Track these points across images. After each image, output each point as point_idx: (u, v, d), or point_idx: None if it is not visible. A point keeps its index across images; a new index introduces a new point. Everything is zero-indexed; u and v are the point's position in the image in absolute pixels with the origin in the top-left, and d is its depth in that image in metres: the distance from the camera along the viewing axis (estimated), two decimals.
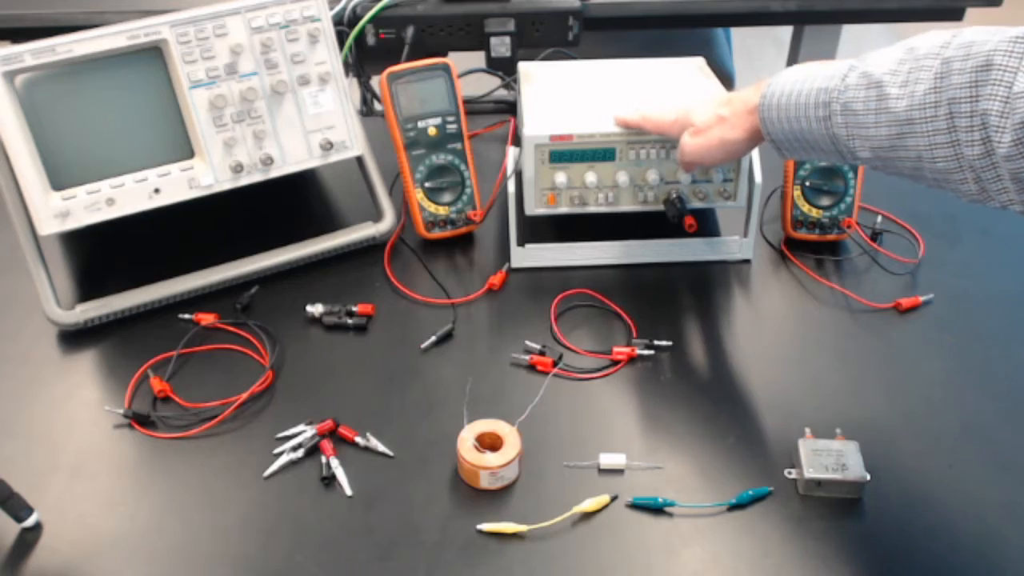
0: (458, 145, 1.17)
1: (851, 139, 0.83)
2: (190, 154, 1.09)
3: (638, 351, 1.03)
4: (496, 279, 1.13)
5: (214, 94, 1.06)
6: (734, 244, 1.17)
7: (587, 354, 1.04)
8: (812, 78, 0.86)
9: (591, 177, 1.10)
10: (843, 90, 0.83)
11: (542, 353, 1.03)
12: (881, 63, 0.80)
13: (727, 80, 1.97)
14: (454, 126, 1.16)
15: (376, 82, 1.24)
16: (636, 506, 0.88)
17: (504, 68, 1.45)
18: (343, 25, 1.43)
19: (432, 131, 1.16)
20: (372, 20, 1.43)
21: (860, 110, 0.81)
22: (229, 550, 0.85)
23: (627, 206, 1.14)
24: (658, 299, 1.12)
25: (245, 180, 1.11)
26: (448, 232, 1.20)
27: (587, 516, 0.87)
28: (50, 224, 1.03)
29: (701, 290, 1.13)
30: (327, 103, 1.12)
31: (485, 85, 1.46)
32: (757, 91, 0.92)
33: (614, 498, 0.88)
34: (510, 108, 1.46)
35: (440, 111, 1.16)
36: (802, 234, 1.18)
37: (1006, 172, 0.72)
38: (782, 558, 0.83)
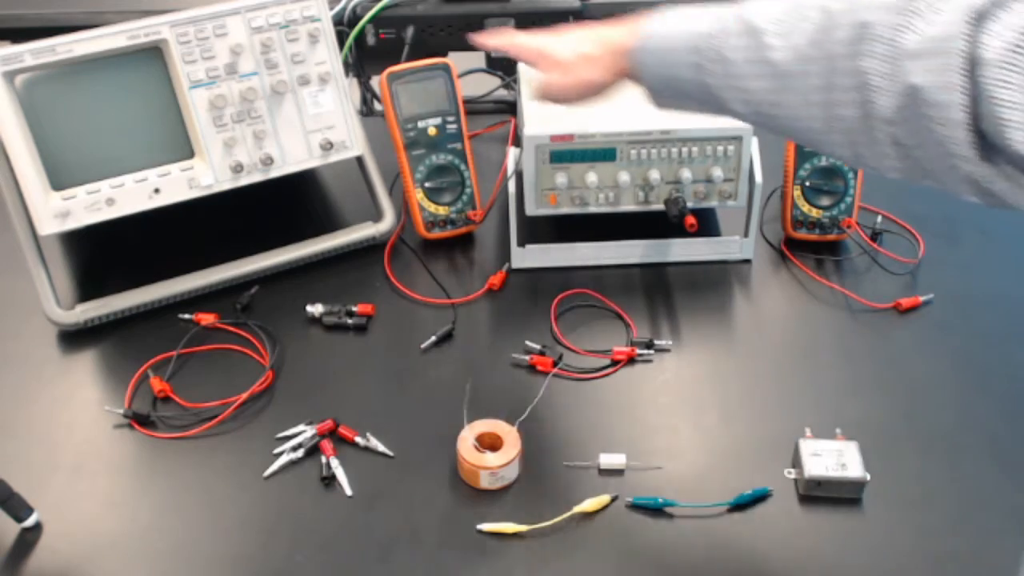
0: (458, 145, 1.17)
1: (723, 90, 0.78)
2: (190, 154, 1.09)
3: (638, 351, 1.03)
4: (496, 279, 1.13)
5: (214, 94, 1.06)
6: (734, 244, 1.17)
7: (587, 354, 1.04)
8: (691, 21, 0.80)
9: (592, 177, 1.10)
10: (720, 36, 0.77)
11: (542, 353, 1.03)
12: (765, 10, 0.75)
13: None
14: (454, 126, 1.16)
15: (376, 82, 1.24)
16: (636, 506, 0.88)
17: (504, 68, 1.45)
18: (343, 25, 1.43)
19: (432, 131, 1.16)
20: (372, 20, 1.43)
21: (737, 60, 0.76)
22: (229, 550, 0.85)
23: (628, 206, 1.14)
24: (658, 299, 1.12)
25: (245, 180, 1.11)
26: (448, 232, 1.20)
27: (587, 516, 0.87)
28: (50, 224, 1.03)
29: (701, 290, 1.13)
30: (327, 103, 1.12)
31: (485, 85, 1.46)
32: (632, 34, 0.86)
33: (614, 498, 0.88)
34: (510, 108, 1.46)
35: (440, 111, 1.16)
36: (802, 234, 1.18)
37: (885, 136, 0.68)
38: (782, 558, 0.83)
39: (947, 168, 0.65)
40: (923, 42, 0.63)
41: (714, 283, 1.14)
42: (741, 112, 0.78)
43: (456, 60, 1.20)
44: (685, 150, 1.10)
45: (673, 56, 0.81)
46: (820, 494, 0.88)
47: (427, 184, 1.17)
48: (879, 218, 1.23)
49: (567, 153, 1.10)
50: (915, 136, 0.66)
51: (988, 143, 0.62)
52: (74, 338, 1.07)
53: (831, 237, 1.18)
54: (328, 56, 1.11)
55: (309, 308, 1.09)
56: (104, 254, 1.20)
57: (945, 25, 0.62)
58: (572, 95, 0.94)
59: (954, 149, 0.63)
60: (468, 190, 1.19)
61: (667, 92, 0.84)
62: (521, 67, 1.27)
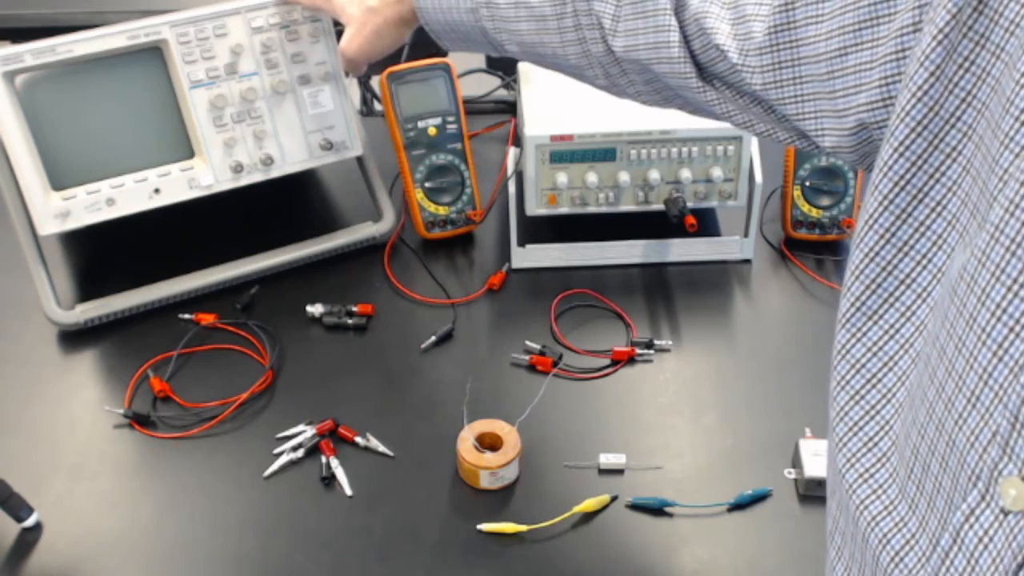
0: (458, 145, 1.17)
1: (498, 32, 0.84)
2: (190, 154, 1.09)
3: (638, 351, 1.03)
4: (496, 279, 1.13)
5: (214, 94, 1.06)
6: (734, 244, 1.17)
7: (587, 354, 1.04)
8: None
9: (592, 177, 1.11)
10: None
11: (542, 353, 1.03)
12: None
13: None
14: (454, 126, 1.16)
15: (376, 82, 1.24)
16: (636, 506, 0.88)
17: (504, 68, 1.45)
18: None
19: (432, 131, 1.16)
20: None
21: (502, 4, 0.82)
22: (229, 550, 0.85)
23: (628, 206, 1.14)
24: (658, 299, 1.12)
25: (245, 180, 1.11)
26: (448, 232, 1.20)
27: (587, 516, 0.87)
28: (50, 224, 1.03)
29: (701, 290, 1.13)
30: (327, 103, 1.12)
31: (485, 85, 1.46)
32: None
33: (614, 498, 0.88)
34: (510, 108, 1.46)
35: (440, 111, 1.16)
36: (802, 234, 1.18)
37: (630, 67, 0.77)
38: (782, 558, 0.83)
39: (684, 95, 0.76)
40: None
41: (714, 283, 1.14)
42: (516, 52, 0.86)
43: (456, 60, 1.20)
44: (685, 150, 1.10)
45: (450, 2, 0.87)
46: (820, 494, 0.88)
47: (427, 184, 1.17)
48: None
49: (567, 153, 1.10)
50: (648, 71, 0.76)
51: (705, 72, 0.72)
52: (74, 338, 1.07)
53: (831, 237, 1.18)
54: (328, 56, 1.11)
55: (309, 308, 1.09)
56: (104, 254, 1.20)
57: None
58: (375, 49, 0.98)
59: (682, 81, 0.73)
60: (468, 190, 1.19)
61: (451, 36, 0.90)
62: (521, 66, 1.28)
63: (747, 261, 1.17)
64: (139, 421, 0.97)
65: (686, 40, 0.72)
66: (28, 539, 0.86)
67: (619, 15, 0.75)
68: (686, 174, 1.11)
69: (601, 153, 1.10)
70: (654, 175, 1.11)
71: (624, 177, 1.11)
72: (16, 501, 0.85)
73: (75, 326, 1.07)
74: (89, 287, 1.12)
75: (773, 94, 0.67)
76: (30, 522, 0.86)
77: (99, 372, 1.04)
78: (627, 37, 0.75)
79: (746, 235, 1.16)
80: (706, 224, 1.20)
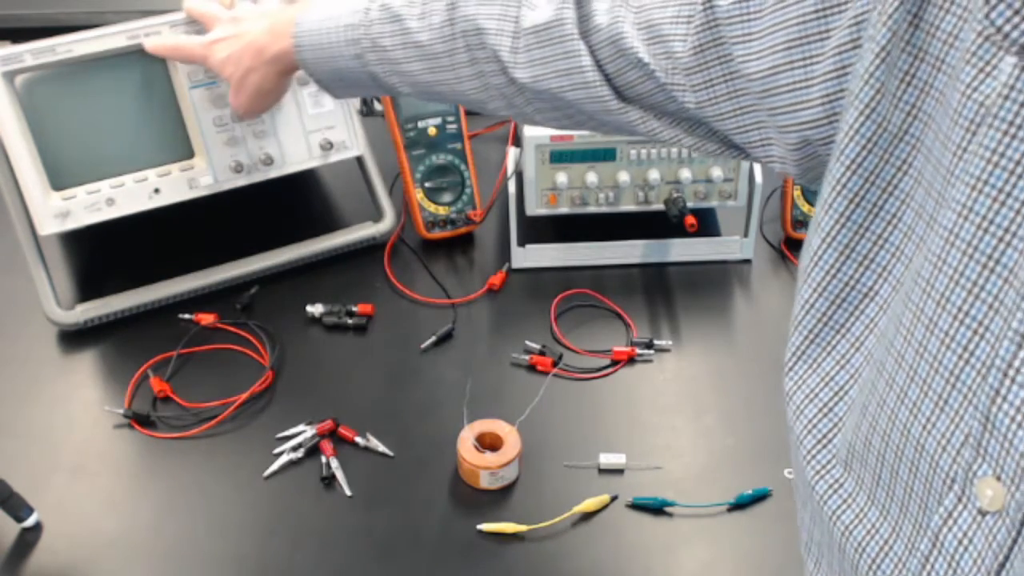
0: (458, 145, 1.17)
1: (388, 76, 0.82)
2: (190, 154, 1.09)
3: (638, 351, 1.03)
4: (496, 279, 1.13)
5: (214, 94, 1.06)
6: (734, 244, 1.17)
7: (587, 354, 1.04)
8: (339, 15, 0.83)
9: (592, 177, 1.11)
10: (368, 25, 0.81)
11: (542, 353, 1.03)
12: None
13: None
14: (454, 126, 1.16)
15: None
16: (636, 506, 0.88)
17: None
18: None
19: (432, 131, 1.16)
20: None
21: (388, 46, 0.80)
22: (229, 550, 0.85)
23: (628, 206, 1.14)
24: (658, 299, 1.12)
25: (245, 180, 1.11)
26: (448, 232, 1.20)
27: (587, 516, 0.87)
28: (50, 224, 1.03)
29: (701, 290, 1.13)
30: (327, 103, 1.12)
31: None
32: (283, 35, 0.88)
33: (614, 498, 0.88)
34: None
35: (440, 111, 1.16)
36: (802, 234, 1.18)
37: (536, 96, 0.74)
38: (782, 558, 0.83)
39: (601, 117, 0.73)
40: (538, 20, 0.71)
41: (714, 283, 1.14)
42: (411, 93, 0.83)
43: None
44: (685, 150, 1.10)
45: (332, 51, 0.84)
46: None
47: (427, 184, 1.17)
48: None
49: (567, 153, 1.10)
50: (558, 99, 0.73)
51: (623, 94, 0.70)
52: (74, 338, 1.07)
53: None
54: None
55: (309, 308, 1.09)
56: (104, 254, 1.19)
57: (553, 11, 0.70)
58: (262, 105, 0.97)
59: (599, 105, 0.70)
60: (468, 190, 1.19)
61: (339, 84, 0.87)
62: None
63: (747, 261, 1.17)
64: (139, 421, 0.97)
65: (598, 64, 0.69)
66: (28, 539, 0.86)
67: (517, 47, 0.72)
68: (686, 174, 1.11)
69: (601, 153, 1.10)
70: (654, 175, 1.10)
71: (624, 177, 1.11)
72: (16, 501, 0.85)
73: (75, 326, 1.07)
74: (89, 287, 1.12)
75: (710, 111, 0.65)
76: (30, 522, 0.86)
77: (99, 372, 1.04)
78: (532, 67, 0.72)
79: (746, 235, 1.16)
80: (706, 224, 1.20)
